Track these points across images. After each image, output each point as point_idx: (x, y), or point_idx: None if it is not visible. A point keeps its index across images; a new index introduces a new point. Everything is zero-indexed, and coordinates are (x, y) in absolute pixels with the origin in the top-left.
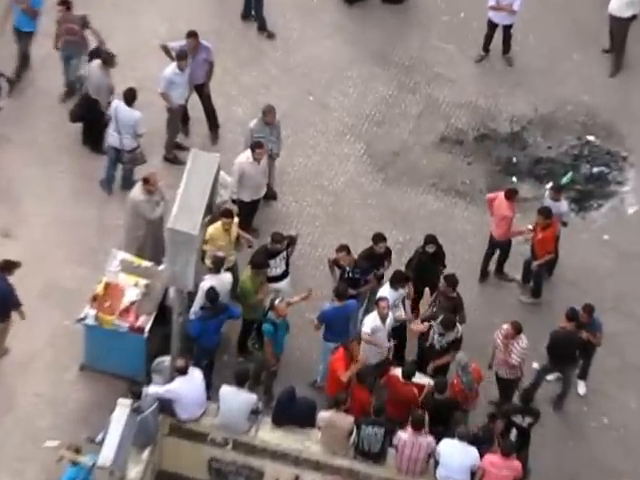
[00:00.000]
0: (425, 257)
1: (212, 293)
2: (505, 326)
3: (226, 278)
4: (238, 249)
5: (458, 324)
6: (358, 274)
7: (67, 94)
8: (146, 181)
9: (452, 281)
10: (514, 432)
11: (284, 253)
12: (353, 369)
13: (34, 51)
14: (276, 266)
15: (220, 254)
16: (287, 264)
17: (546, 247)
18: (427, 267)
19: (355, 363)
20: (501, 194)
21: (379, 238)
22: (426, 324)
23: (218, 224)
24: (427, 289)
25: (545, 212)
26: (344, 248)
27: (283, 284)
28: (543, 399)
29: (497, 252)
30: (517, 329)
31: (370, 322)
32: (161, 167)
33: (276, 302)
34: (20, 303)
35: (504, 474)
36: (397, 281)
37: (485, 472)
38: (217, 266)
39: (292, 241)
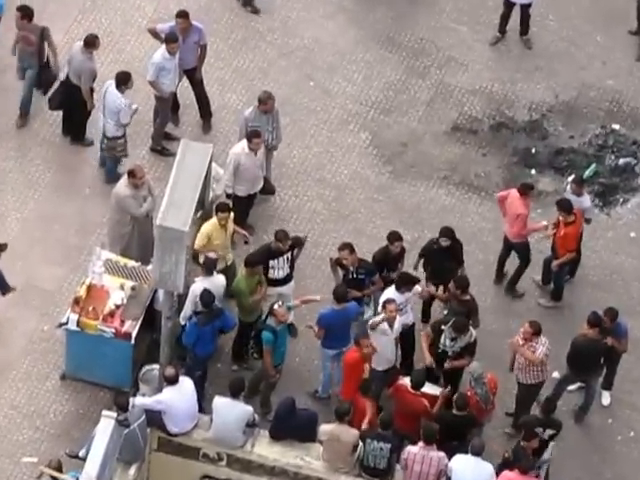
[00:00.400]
0: (438, 252)
1: (206, 296)
2: (522, 329)
3: (219, 280)
4: (234, 247)
5: (472, 328)
6: (363, 275)
7: (21, 117)
8: (132, 174)
9: (462, 283)
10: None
11: (288, 255)
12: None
13: (8, 35)
14: (278, 267)
15: (212, 255)
16: (291, 267)
17: (568, 245)
18: (440, 263)
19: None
20: (513, 191)
21: (395, 237)
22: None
23: (213, 221)
24: (440, 288)
25: (565, 205)
26: (347, 246)
27: (285, 289)
28: (564, 411)
29: (513, 255)
30: (536, 329)
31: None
32: (148, 159)
33: (275, 307)
34: (10, 287)
35: None
36: (403, 283)
37: None
38: (209, 267)
39: (298, 242)
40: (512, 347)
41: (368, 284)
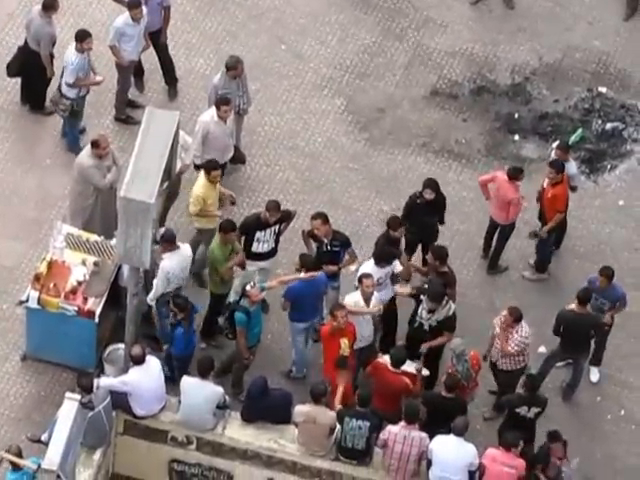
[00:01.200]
0: (421, 206)
1: (182, 301)
2: (504, 313)
3: (186, 252)
4: (220, 207)
5: (450, 301)
6: (337, 247)
7: None
8: (95, 144)
9: (440, 254)
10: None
11: (275, 228)
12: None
13: None
14: (264, 240)
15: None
16: (277, 241)
17: (557, 205)
18: (422, 218)
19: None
20: (499, 175)
21: (397, 223)
22: (408, 288)
23: (202, 182)
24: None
25: (557, 166)
26: (320, 216)
27: (267, 263)
28: (551, 388)
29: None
30: (516, 317)
31: (352, 303)
32: (112, 128)
33: (248, 288)
34: None
35: (506, 471)
36: (383, 257)
37: (485, 469)
38: (171, 240)
39: (287, 216)
40: (491, 335)
41: (344, 257)
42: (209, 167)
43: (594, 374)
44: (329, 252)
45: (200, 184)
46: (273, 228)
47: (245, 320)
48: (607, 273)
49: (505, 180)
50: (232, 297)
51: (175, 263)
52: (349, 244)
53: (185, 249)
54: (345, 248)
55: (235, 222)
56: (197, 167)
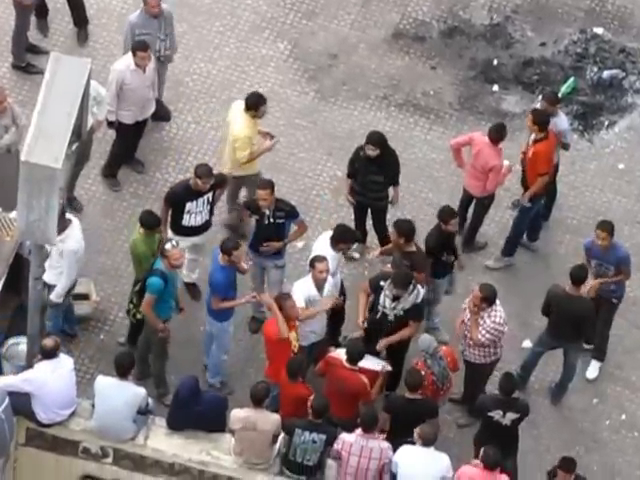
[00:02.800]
0: (364, 161)
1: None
2: (474, 290)
3: (77, 223)
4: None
5: (418, 285)
6: (282, 218)
7: None
8: None
9: (405, 229)
10: None
11: (209, 196)
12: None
13: None
14: (196, 212)
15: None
16: (211, 212)
17: (539, 167)
18: (365, 176)
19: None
20: (477, 136)
21: (449, 214)
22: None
23: (245, 121)
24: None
25: (540, 117)
26: (268, 185)
27: (201, 238)
28: (537, 389)
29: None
30: (487, 295)
31: (302, 291)
32: (10, 78)
33: (168, 247)
34: None
35: None
36: (341, 239)
37: None
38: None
39: (220, 182)
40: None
41: (289, 230)
42: (256, 102)
43: (593, 370)
44: (272, 225)
45: (244, 124)
46: (206, 197)
47: (160, 287)
48: (607, 228)
49: (486, 143)
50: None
51: (79, 238)
52: (296, 214)
53: (75, 222)
54: (291, 219)
55: (157, 215)
56: (110, 123)
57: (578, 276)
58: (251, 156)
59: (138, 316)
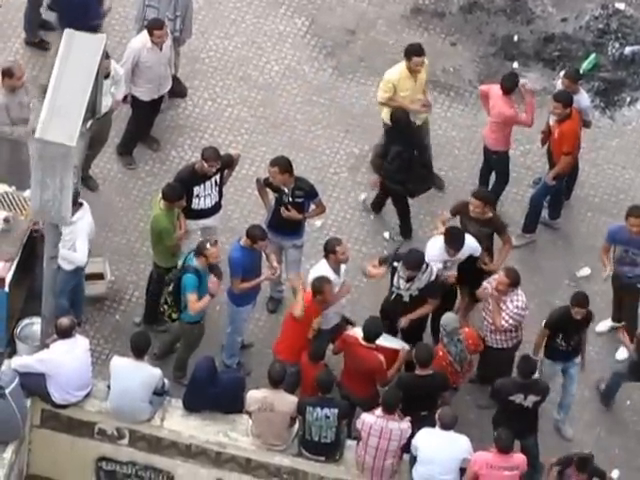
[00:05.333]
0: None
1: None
2: (496, 276)
3: (87, 206)
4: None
5: (432, 263)
6: (301, 197)
7: None
8: (7, 73)
9: (487, 196)
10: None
11: (216, 178)
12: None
13: None
14: (204, 195)
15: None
16: (220, 194)
17: (567, 145)
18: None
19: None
20: (493, 88)
21: (581, 301)
22: (381, 269)
23: (401, 66)
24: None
25: (563, 98)
26: (277, 164)
27: (211, 221)
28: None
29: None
30: (513, 280)
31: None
32: (23, 54)
33: (208, 246)
34: None
35: (505, 475)
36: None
37: (480, 476)
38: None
39: (229, 162)
40: (480, 296)
41: (308, 210)
42: (411, 52)
43: (622, 351)
44: (291, 204)
45: (398, 69)
46: (213, 179)
47: (196, 283)
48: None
49: (499, 95)
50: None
51: (90, 220)
52: (315, 194)
53: (85, 206)
54: (310, 199)
55: (176, 186)
56: (124, 98)
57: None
58: (389, 101)
59: (174, 316)
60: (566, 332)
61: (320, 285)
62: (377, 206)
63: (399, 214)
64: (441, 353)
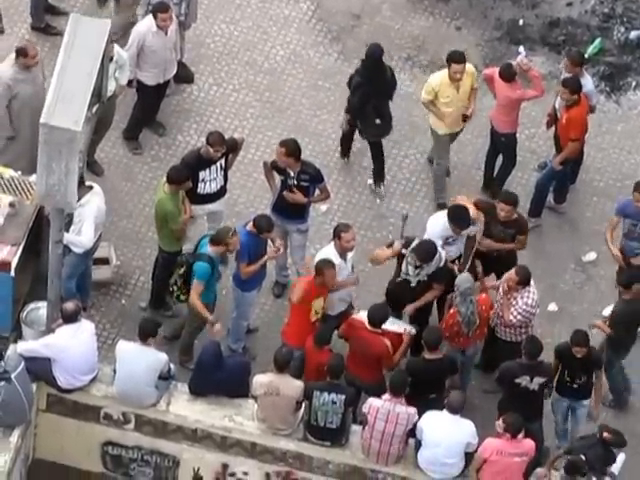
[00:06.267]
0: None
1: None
2: (510, 273)
3: (99, 190)
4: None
5: (440, 249)
6: (306, 181)
7: None
8: (23, 53)
9: (512, 197)
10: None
11: (221, 162)
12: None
13: None
14: (210, 179)
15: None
16: (225, 178)
17: (574, 131)
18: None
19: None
20: (496, 76)
21: (580, 341)
22: (396, 246)
23: (442, 74)
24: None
25: (572, 84)
26: (286, 145)
27: (217, 205)
28: None
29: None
30: (522, 278)
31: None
32: (29, 40)
33: (229, 234)
34: None
35: (516, 461)
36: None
37: (489, 462)
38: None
39: (234, 147)
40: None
41: (313, 194)
42: (452, 59)
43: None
44: (296, 187)
45: (440, 74)
46: (218, 163)
47: (209, 272)
48: None
49: (502, 83)
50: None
51: (100, 204)
52: (320, 179)
53: (97, 189)
54: (315, 184)
55: (181, 168)
56: (129, 83)
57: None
58: (430, 106)
59: (182, 298)
60: (570, 368)
61: (321, 267)
62: (344, 148)
63: (372, 156)
64: (451, 311)
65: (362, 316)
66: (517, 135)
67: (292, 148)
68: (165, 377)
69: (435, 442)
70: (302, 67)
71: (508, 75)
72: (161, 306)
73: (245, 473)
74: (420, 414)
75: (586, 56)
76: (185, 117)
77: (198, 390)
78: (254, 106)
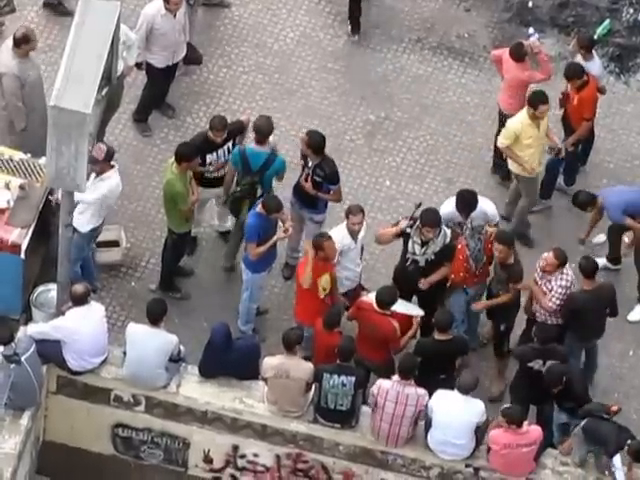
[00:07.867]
0: None
1: None
2: (545, 255)
3: (116, 179)
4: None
5: (444, 226)
6: (320, 177)
7: None
8: (24, 39)
9: (509, 239)
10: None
11: (228, 145)
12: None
13: None
14: (218, 163)
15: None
16: None
17: (585, 112)
18: None
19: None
20: (506, 56)
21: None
22: (402, 223)
23: (523, 116)
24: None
25: (572, 71)
26: (311, 136)
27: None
28: None
29: None
30: (562, 260)
31: (337, 239)
32: (38, 22)
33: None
34: None
35: (524, 452)
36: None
37: (499, 456)
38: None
39: (241, 128)
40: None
41: (325, 192)
42: (539, 100)
43: (635, 313)
44: (310, 178)
45: (519, 118)
46: (226, 147)
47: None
48: None
49: (512, 63)
50: None
51: (114, 186)
52: (334, 181)
53: (114, 179)
54: (328, 183)
55: (190, 144)
56: (138, 65)
57: (590, 270)
58: (508, 151)
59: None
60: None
61: (320, 242)
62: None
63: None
64: (460, 246)
65: (371, 298)
66: None
67: (314, 140)
68: (175, 359)
69: (446, 423)
70: (312, 49)
71: (518, 55)
72: (170, 288)
73: (255, 455)
74: (430, 395)
75: (595, 37)
76: (194, 99)
77: (208, 372)
78: (264, 88)
